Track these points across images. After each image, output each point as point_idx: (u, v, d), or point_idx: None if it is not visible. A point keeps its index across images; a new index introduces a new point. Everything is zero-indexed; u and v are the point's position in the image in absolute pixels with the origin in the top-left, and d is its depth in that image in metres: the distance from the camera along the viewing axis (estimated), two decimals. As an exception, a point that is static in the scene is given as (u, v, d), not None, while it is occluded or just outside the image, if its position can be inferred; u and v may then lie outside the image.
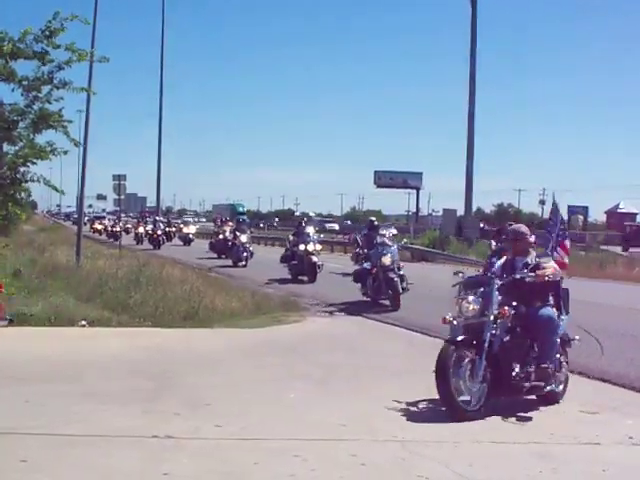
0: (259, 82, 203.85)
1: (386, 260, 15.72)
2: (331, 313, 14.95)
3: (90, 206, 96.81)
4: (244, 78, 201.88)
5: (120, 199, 36.00)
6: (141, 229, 46.33)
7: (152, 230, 43.29)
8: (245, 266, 26.30)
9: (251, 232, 32.90)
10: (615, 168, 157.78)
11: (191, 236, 46.35)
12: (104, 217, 71.78)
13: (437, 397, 7.85)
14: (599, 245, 33.45)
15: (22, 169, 14.12)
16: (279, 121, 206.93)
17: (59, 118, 13.73)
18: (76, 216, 49.71)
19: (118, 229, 48.80)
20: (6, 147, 14.14)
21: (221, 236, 32.48)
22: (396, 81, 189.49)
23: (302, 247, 21.82)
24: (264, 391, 7.96)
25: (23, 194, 15.05)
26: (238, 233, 27.96)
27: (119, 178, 33.52)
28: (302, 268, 21.74)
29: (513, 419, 7.22)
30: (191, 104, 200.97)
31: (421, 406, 7.57)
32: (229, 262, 27.82)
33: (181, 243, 45.59)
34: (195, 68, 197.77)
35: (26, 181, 14.37)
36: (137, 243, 44.83)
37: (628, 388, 8.76)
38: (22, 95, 13.49)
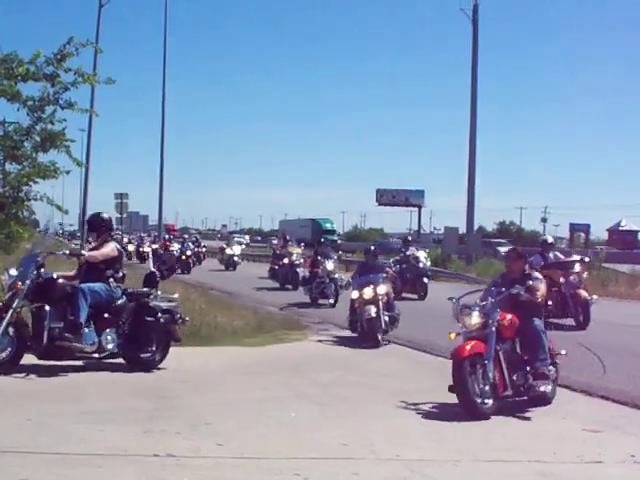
0: (262, 102, 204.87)
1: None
2: (334, 332, 14.91)
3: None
4: (247, 98, 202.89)
5: (122, 217, 36.20)
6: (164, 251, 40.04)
7: (180, 251, 36.14)
8: (333, 305, 19.44)
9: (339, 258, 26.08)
10: (616, 186, 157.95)
11: (236, 259, 38.45)
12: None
13: (436, 415, 7.86)
14: (601, 263, 33.33)
15: (25, 188, 14.19)
16: (281, 141, 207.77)
17: (63, 138, 13.82)
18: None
19: (147, 250, 42.66)
20: (9, 166, 14.21)
21: (286, 260, 25.74)
22: (398, 100, 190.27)
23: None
24: (265, 410, 7.94)
25: (25, 213, 15.09)
26: (321, 259, 21.07)
27: (121, 196, 33.76)
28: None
29: (514, 437, 7.21)
30: (194, 124, 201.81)
31: (422, 424, 7.55)
32: (303, 298, 20.77)
33: (222, 267, 38.11)
34: (197, 89, 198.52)
35: (29, 200, 14.42)
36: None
37: (631, 406, 8.71)
38: (27, 115, 13.60)
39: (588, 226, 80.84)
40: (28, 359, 9.38)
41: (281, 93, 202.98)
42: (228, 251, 38.34)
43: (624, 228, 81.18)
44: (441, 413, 8.04)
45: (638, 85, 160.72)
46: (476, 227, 45.06)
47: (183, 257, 35.39)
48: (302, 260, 24.54)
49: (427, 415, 7.93)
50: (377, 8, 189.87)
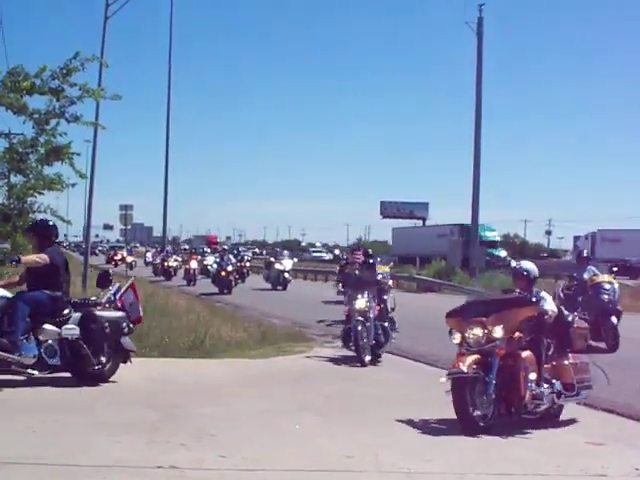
0: (267, 114, 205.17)
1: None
2: (337, 344, 14.90)
3: (97, 236, 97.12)
4: (251, 110, 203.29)
5: (126, 229, 36.18)
6: (194, 264, 33.49)
7: (219, 267, 29.22)
8: (367, 363, 12.56)
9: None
10: (620, 199, 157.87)
11: (287, 275, 31.61)
12: (122, 247, 56.98)
13: (441, 428, 7.84)
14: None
15: (29, 200, 14.25)
16: (286, 152, 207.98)
17: (68, 151, 13.89)
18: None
19: (173, 264, 37.58)
20: (14, 178, 14.28)
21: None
22: (403, 113, 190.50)
23: None
24: (269, 422, 7.94)
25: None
26: (351, 291, 13.48)
27: (126, 208, 33.73)
28: None
29: (518, 450, 7.19)
30: (198, 135, 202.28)
31: (426, 437, 7.54)
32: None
33: (268, 285, 31.71)
34: (202, 100, 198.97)
35: (33, 212, 14.48)
36: (188, 284, 32.59)
37: (635, 419, 8.70)
38: (33, 128, 13.69)
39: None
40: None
41: (285, 106, 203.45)
42: (277, 266, 31.49)
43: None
44: (445, 425, 8.03)
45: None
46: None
47: (222, 273, 28.45)
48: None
49: (431, 427, 7.92)
50: (380, 21, 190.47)
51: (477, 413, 7.77)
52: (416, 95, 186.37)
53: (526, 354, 7.99)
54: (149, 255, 50.83)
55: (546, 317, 8.32)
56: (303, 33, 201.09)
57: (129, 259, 46.67)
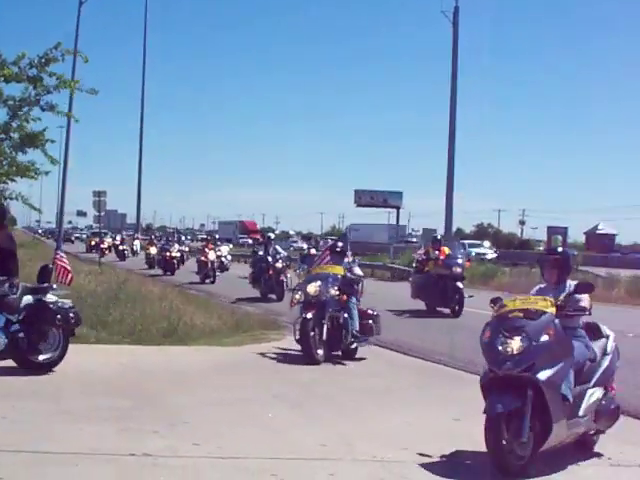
0: (242, 103, 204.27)
1: None
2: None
3: (70, 222, 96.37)
4: (226, 99, 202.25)
5: (100, 215, 35.82)
6: (212, 255, 27.46)
7: (260, 261, 22.60)
8: None
9: None
10: (594, 190, 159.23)
11: None
12: (106, 233, 48.00)
13: (416, 416, 7.87)
14: (578, 266, 33.57)
15: (1, 186, 14.10)
16: (261, 141, 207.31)
17: (43, 138, 13.76)
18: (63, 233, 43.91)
19: (177, 255, 32.35)
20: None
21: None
22: (378, 102, 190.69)
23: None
24: (242, 410, 7.92)
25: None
26: None
27: (99, 194, 33.35)
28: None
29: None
30: (174, 123, 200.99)
31: (400, 426, 7.55)
32: None
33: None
34: (177, 89, 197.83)
35: (5, 199, 14.34)
36: (204, 280, 27.01)
37: (627, 415, 8.23)
38: (7, 115, 13.54)
39: (565, 229, 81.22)
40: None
41: (260, 95, 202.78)
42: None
43: (601, 232, 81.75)
44: (420, 414, 8.06)
45: (617, 91, 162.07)
46: (454, 229, 45.23)
47: (270, 272, 21.93)
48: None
49: (406, 415, 7.93)
50: (357, 12, 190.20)
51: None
52: (393, 83, 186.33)
53: None
54: (137, 243, 48.38)
55: None
56: (278, 23, 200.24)
57: (121, 248, 43.43)
